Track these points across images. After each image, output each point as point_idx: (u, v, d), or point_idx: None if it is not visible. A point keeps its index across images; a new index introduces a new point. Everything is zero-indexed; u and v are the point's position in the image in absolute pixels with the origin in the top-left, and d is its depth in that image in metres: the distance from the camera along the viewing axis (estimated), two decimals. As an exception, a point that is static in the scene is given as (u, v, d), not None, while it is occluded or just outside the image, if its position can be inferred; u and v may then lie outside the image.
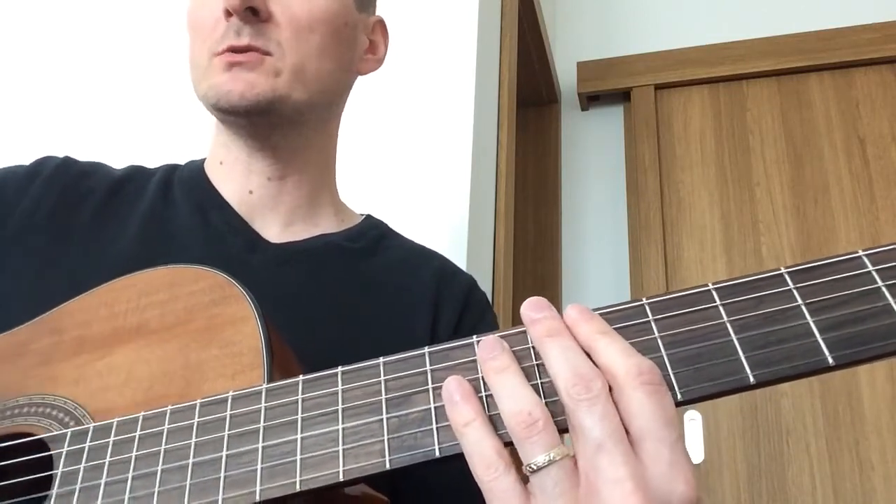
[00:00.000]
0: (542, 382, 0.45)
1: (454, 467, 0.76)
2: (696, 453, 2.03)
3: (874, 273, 0.44)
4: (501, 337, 0.47)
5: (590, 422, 0.41)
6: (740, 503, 1.97)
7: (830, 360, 0.42)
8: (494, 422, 0.44)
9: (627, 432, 0.42)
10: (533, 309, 0.47)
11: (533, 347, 0.46)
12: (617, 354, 0.43)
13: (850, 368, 0.43)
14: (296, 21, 0.76)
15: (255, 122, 0.77)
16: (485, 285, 1.42)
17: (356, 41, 0.85)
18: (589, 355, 0.44)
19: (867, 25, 2.33)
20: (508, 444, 0.44)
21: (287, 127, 0.79)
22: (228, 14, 0.74)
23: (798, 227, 2.21)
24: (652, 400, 0.41)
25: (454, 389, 0.45)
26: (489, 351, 0.46)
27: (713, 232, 2.27)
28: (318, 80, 0.79)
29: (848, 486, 1.92)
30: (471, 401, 0.45)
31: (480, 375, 0.46)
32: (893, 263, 0.44)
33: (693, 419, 2.05)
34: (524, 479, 0.43)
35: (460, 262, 1.28)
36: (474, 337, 0.48)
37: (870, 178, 2.22)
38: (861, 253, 0.45)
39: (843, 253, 0.45)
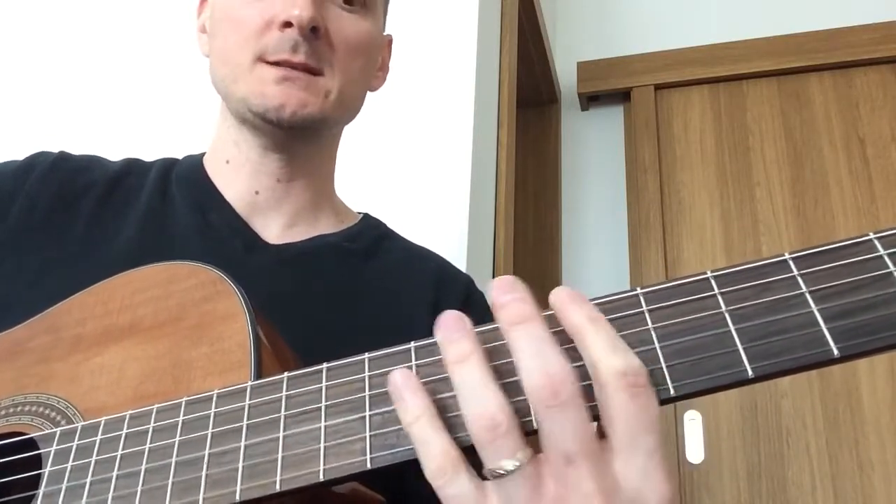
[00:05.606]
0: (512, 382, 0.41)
1: None
2: (696, 453, 2.03)
3: (886, 257, 0.40)
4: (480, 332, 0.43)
5: (559, 431, 0.38)
6: (740, 503, 1.97)
7: (836, 352, 0.38)
8: (452, 422, 0.41)
9: (603, 434, 0.39)
10: (501, 290, 0.41)
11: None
12: (602, 349, 0.39)
13: (853, 361, 0.39)
14: (346, 44, 0.76)
15: (287, 132, 0.76)
16: (485, 286, 1.41)
17: (378, 61, 0.87)
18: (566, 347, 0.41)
19: (867, 25, 2.32)
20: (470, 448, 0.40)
21: (310, 136, 0.79)
22: (287, 25, 0.72)
23: (798, 227, 2.21)
24: (634, 403, 0.38)
25: (401, 384, 0.42)
26: (449, 331, 0.42)
27: (713, 232, 2.27)
28: (354, 100, 0.81)
29: (848, 486, 1.91)
30: (418, 394, 0.41)
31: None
32: None
33: (693, 419, 2.05)
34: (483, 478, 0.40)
35: (460, 261, 1.28)
36: None
37: (870, 177, 2.21)
38: (872, 236, 0.41)
39: (853, 236, 0.41)
